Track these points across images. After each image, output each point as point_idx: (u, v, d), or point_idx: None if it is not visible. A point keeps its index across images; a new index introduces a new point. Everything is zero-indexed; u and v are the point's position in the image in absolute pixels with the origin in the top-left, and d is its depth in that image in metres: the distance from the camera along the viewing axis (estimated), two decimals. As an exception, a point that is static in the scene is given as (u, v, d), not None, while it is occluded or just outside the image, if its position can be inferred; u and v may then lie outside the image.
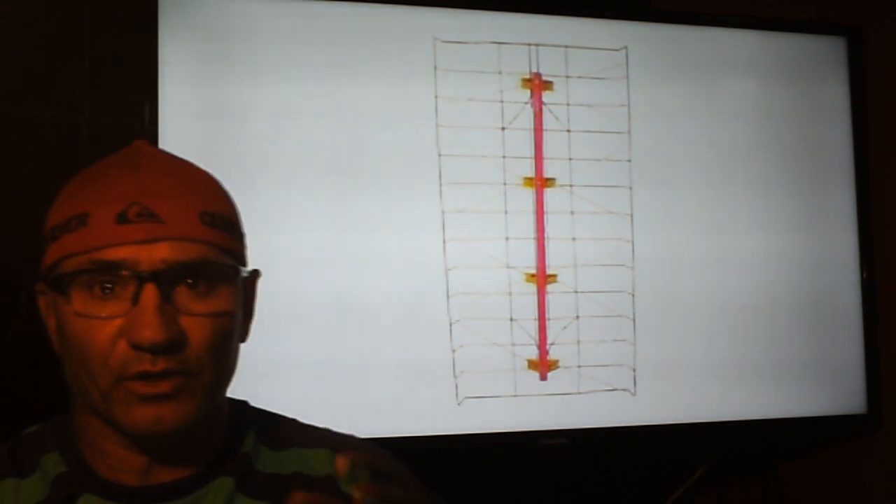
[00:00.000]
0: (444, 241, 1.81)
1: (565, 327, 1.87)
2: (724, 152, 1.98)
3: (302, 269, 1.71)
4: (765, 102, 2.02)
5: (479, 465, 1.95)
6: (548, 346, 1.86)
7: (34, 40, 1.76)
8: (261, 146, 1.73)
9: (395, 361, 1.76)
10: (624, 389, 1.89)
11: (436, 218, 1.81)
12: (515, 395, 1.83)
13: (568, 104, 1.90)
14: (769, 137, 2.01)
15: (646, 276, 1.92)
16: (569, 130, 1.90)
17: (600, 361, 1.88)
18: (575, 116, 1.91)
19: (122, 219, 0.81)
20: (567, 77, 1.91)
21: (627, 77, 1.94)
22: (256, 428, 0.94)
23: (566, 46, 1.91)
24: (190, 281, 0.82)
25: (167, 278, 0.81)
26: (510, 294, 1.84)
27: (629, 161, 1.93)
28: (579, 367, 1.87)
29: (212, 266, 0.83)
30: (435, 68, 1.83)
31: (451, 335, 1.80)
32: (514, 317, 1.84)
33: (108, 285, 0.81)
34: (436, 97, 1.83)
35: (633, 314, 1.91)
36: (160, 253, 0.80)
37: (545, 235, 1.87)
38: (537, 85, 1.89)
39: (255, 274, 0.92)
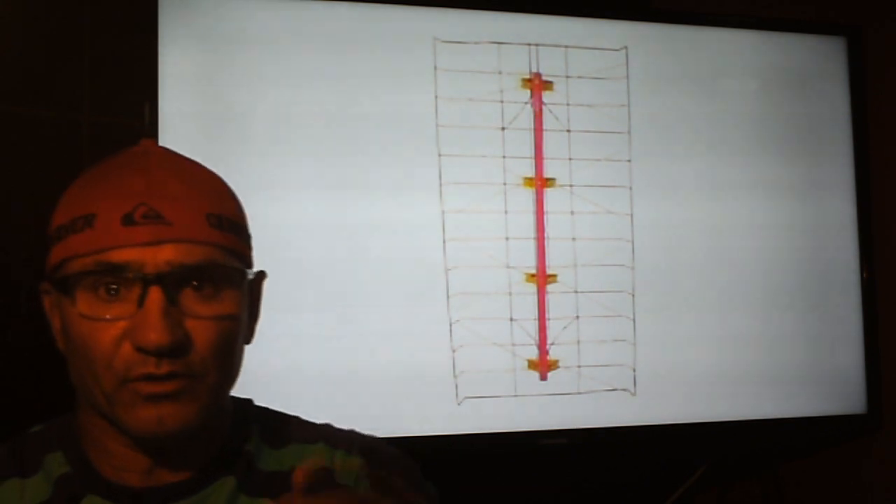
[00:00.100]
0: (444, 241, 1.81)
1: (565, 327, 1.87)
2: (724, 152, 1.98)
3: (302, 269, 1.71)
4: (765, 102, 2.02)
5: (479, 465, 1.95)
6: (548, 346, 1.86)
7: (34, 40, 1.76)
8: (260, 146, 1.73)
9: (395, 361, 1.76)
10: (624, 389, 1.89)
11: (436, 218, 1.81)
12: (515, 395, 1.83)
13: (568, 104, 1.90)
14: (769, 138, 2.01)
15: (646, 276, 1.92)
16: (569, 130, 1.90)
17: (600, 361, 1.88)
18: (575, 116, 1.91)
19: (127, 220, 0.80)
20: (567, 77, 1.91)
21: (627, 77, 1.94)
22: (259, 426, 0.94)
23: (566, 46, 1.91)
24: (195, 283, 0.82)
25: (172, 281, 0.80)
26: (510, 294, 1.84)
27: (629, 161, 1.93)
28: (579, 367, 1.87)
29: (218, 269, 0.83)
30: (435, 68, 1.83)
31: (451, 335, 1.80)
32: (514, 317, 1.84)
33: (114, 287, 0.80)
34: (436, 97, 1.83)
35: (633, 314, 1.91)
36: (166, 255, 0.80)
37: (545, 235, 1.87)
38: (537, 85, 1.89)
39: (261, 275, 0.91)
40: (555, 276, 1.87)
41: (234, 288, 0.85)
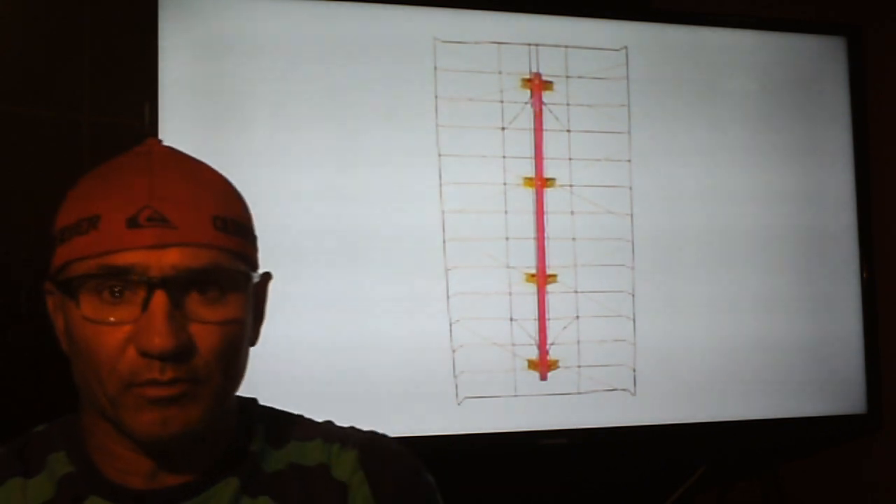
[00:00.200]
0: (444, 241, 1.81)
1: (565, 327, 1.87)
2: (724, 153, 1.98)
3: (301, 269, 1.71)
4: (765, 102, 2.02)
5: (479, 465, 1.95)
6: (548, 346, 1.86)
7: (34, 40, 1.76)
8: (260, 146, 1.73)
9: (395, 361, 1.76)
10: (624, 389, 1.89)
11: (436, 218, 1.81)
12: (515, 395, 1.83)
13: (568, 104, 1.90)
14: (769, 138, 2.01)
15: (646, 276, 1.92)
16: (569, 130, 1.90)
17: (600, 361, 1.88)
18: (575, 116, 1.91)
19: (132, 223, 0.79)
20: (567, 77, 1.91)
21: (627, 77, 1.94)
22: (264, 427, 0.93)
23: (566, 46, 1.91)
24: (200, 287, 0.81)
25: (177, 285, 0.79)
26: (510, 294, 1.84)
27: (629, 161, 1.93)
28: (579, 367, 1.87)
29: (223, 272, 0.82)
30: (435, 68, 1.83)
31: (451, 335, 1.80)
32: (514, 317, 1.84)
33: (118, 290, 0.79)
34: (436, 97, 1.83)
35: (633, 314, 1.91)
36: (171, 259, 0.79)
37: (545, 235, 1.87)
38: (537, 85, 1.89)
39: (267, 277, 0.91)
40: (555, 276, 1.87)
41: (240, 292, 0.84)
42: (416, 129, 1.81)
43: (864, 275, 2.03)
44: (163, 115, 1.67)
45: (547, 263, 1.87)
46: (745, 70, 2.02)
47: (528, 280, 1.86)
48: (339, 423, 0.99)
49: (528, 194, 1.87)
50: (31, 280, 1.68)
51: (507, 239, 1.85)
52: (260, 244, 0.90)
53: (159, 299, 0.78)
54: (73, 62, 1.80)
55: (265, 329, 0.92)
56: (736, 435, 2.00)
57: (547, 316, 1.86)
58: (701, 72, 1.99)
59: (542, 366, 1.85)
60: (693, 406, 1.92)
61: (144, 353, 0.78)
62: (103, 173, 0.85)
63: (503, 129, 1.86)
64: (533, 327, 1.85)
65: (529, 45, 1.89)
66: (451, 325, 1.80)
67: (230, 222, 0.84)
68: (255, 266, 0.88)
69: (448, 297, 1.80)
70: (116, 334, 0.79)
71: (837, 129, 2.05)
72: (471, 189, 1.83)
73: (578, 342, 1.88)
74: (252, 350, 0.90)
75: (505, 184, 1.85)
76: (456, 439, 1.79)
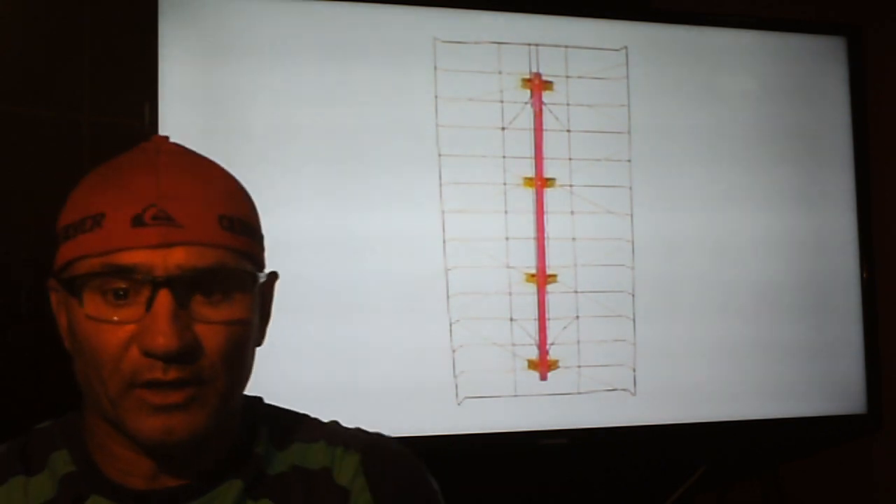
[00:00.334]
0: (444, 241, 1.81)
1: (565, 327, 1.87)
2: (724, 153, 1.98)
3: (301, 269, 1.71)
4: (765, 103, 2.02)
5: (479, 465, 1.95)
6: (548, 346, 1.86)
7: (34, 40, 1.76)
8: (261, 147, 1.73)
9: (395, 361, 1.76)
10: (624, 389, 1.89)
11: (436, 218, 1.81)
12: (515, 395, 1.83)
13: (568, 104, 1.90)
14: (769, 138, 2.01)
15: (646, 276, 1.92)
16: (569, 130, 1.90)
17: (600, 361, 1.88)
18: (575, 116, 1.91)
19: (137, 221, 0.78)
20: (567, 77, 1.91)
21: (627, 77, 1.94)
22: (268, 427, 0.92)
23: (566, 46, 1.91)
24: (206, 287, 0.80)
25: (182, 284, 0.78)
26: (510, 294, 1.84)
27: (629, 161, 1.93)
28: (579, 367, 1.87)
29: (229, 272, 0.81)
30: (435, 68, 1.83)
31: (451, 335, 1.80)
32: (514, 317, 1.84)
33: (122, 289, 0.78)
34: (436, 97, 1.83)
35: (633, 314, 1.91)
36: (176, 258, 0.78)
37: (545, 235, 1.87)
38: (537, 85, 1.89)
39: (273, 276, 0.90)
40: (555, 276, 1.87)
41: (246, 292, 0.83)
42: (416, 129, 1.81)
43: (864, 275, 2.03)
44: (163, 115, 1.67)
45: (547, 263, 1.87)
46: (745, 70, 2.02)
47: (528, 280, 1.86)
48: (336, 421, 0.98)
49: (528, 194, 1.87)
50: (31, 280, 1.68)
51: (507, 239, 1.85)
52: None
53: (164, 299, 0.77)
54: (73, 62, 1.80)
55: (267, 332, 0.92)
56: (736, 435, 2.00)
57: (547, 316, 1.86)
58: (701, 72, 1.99)
59: (542, 366, 1.85)
60: (693, 406, 1.92)
61: (148, 354, 0.77)
62: (108, 170, 0.84)
63: (503, 129, 1.86)
64: (533, 327, 1.85)
65: (529, 45, 1.89)
66: (451, 325, 1.80)
67: (237, 221, 0.83)
68: (261, 266, 0.87)
69: (448, 297, 1.80)
70: (119, 334, 0.78)
71: (837, 128, 2.05)
72: (471, 189, 1.83)
73: (578, 342, 1.87)
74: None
75: (505, 184, 1.85)
76: (456, 439, 1.79)
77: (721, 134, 1.99)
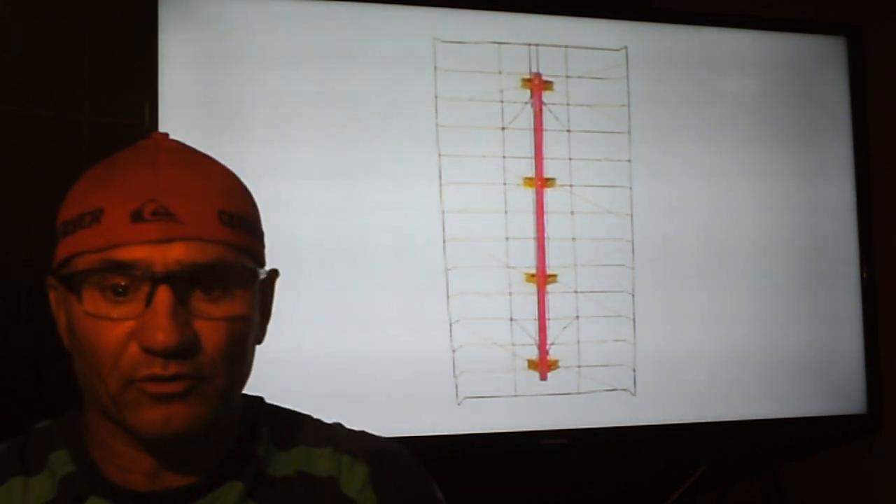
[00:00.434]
0: (444, 241, 1.81)
1: (565, 327, 1.87)
2: (724, 152, 1.98)
3: (301, 268, 1.71)
4: (765, 102, 2.02)
5: (479, 465, 1.95)
6: (548, 346, 1.86)
7: (34, 40, 1.76)
8: (261, 147, 1.73)
9: (395, 361, 1.76)
10: (624, 389, 1.89)
11: (436, 218, 1.81)
12: (515, 395, 1.83)
13: (568, 104, 1.90)
14: (769, 138, 2.01)
15: (646, 276, 1.92)
16: (569, 130, 1.90)
17: (600, 361, 1.88)
18: (575, 116, 1.91)
19: (137, 217, 0.78)
20: (567, 77, 1.91)
21: (627, 77, 1.94)
22: (269, 428, 0.91)
23: (566, 46, 1.91)
24: (206, 283, 0.79)
25: (182, 280, 0.78)
26: (510, 294, 1.84)
27: (629, 161, 1.93)
28: (579, 367, 1.87)
29: (229, 268, 0.80)
30: (435, 68, 1.83)
31: (451, 335, 1.80)
32: (514, 317, 1.84)
33: (121, 286, 0.78)
34: (436, 97, 1.83)
35: (633, 314, 1.91)
36: (175, 254, 0.78)
37: (545, 235, 1.87)
38: (537, 85, 1.89)
39: (274, 273, 0.89)
40: (555, 276, 1.87)
41: (246, 288, 0.82)
42: (416, 128, 1.81)
43: (864, 275, 2.03)
44: (163, 115, 1.67)
45: (547, 263, 1.87)
46: (745, 70, 2.02)
47: (528, 280, 1.86)
48: (340, 423, 0.98)
49: (528, 194, 1.87)
50: (31, 280, 1.68)
51: (507, 239, 1.85)
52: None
53: (163, 295, 0.76)
54: (73, 62, 1.80)
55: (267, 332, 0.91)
56: (736, 435, 2.00)
57: (547, 316, 1.86)
58: (701, 72, 1.99)
59: (542, 366, 1.85)
60: (693, 406, 1.92)
61: (147, 350, 0.76)
62: (108, 166, 0.84)
63: (503, 129, 1.86)
64: (533, 327, 1.85)
65: (529, 45, 1.89)
66: (451, 325, 1.80)
67: (237, 217, 0.82)
68: (261, 262, 0.86)
69: (448, 297, 1.80)
70: (119, 330, 0.77)
71: (837, 129, 2.05)
72: (471, 189, 1.83)
73: (578, 342, 1.88)
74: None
75: (505, 184, 1.85)
76: (456, 439, 1.79)
77: (721, 134, 1.99)
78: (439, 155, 1.82)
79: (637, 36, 1.96)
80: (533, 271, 1.86)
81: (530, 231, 1.86)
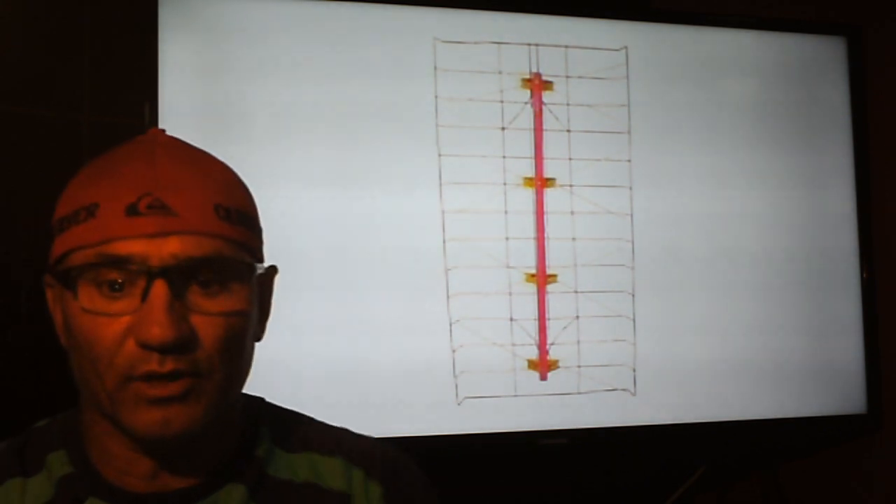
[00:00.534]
0: (444, 241, 1.81)
1: (565, 327, 1.87)
2: (724, 152, 1.98)
3: (302, 268, 1.71)
4: (765, 102, 2.02)
5: (479, 465, 1.95)
6: (548, 346, 1.86)
7: (34, 40, 1.76)
8: (261, 147, 1.73)
9: (395, 361, 1.76)
10: (624, 389, 1.89)
11: (436, 218, 1.81)
12: (515, 395, 1.83)
13: (568, 104, 1.90)
14: (769, 138, 2.01)
15: (646, 276, 1.92)
16: (569, 130, 1.90)
17: (600, 361, 1.88)
18: (575, 116, 1.91)
19: (132, 211, 0.77)
20: (567, 77, 1.91)
21: (627, 77, 1.94)
22: (271, 428, 0.91)
23: (566, 46, 1.91)
24: (202, 278, 0.78)
25: (178, 274, 0.77)
26: (510, 294, 1.84)
27: (629, 161, 1.93)
28: (579, 367, 1.87)
29: (226, 262, 0.79)
30: (435, 68, 1.83)
31: (451, 335, 1.80)
32: (514, 317, 1.84)
33: (117, 281, 0.77)
34: (436, 97, 1.83)
35: (633, 314, 1.91)
36: (171, 247, 0.77)
37: (545, 235, 1.87)
38: (537, 85, 1.89)
39: (272, 270, 0.89)
40: (555, 276, 1.87)
41: (243, 283, 0.81)
42: (416, 129, 1.81)
43: (864, 276, 2.03)
44: (163, 115, 1.67)
45: (547, 263, 1.87)
46: (745, 70, 2.02)
47: (528, 280, 1.86)
48: (339, 423, 0.97)
49: (528, 194, 1.87)
50: (31, 280, 1.68)
51: (507, 239, 1.85)
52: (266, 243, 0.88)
53: (159, 289, 0.75)
54: (73, 62, 1.80)
55: (267, 332, 0.91)
56: (736, 435, 2.00)
57: (547, 316, 1.86)
58: (701, 72, 1.99)
59: (542, 366, 1.85)
60: (693, 406, 1.92)
61: (144, 345, 0.75)
62: (103, 162, 0.83)
63: (503, 129, 1.86)
64: (533, 327, 1.85)
65: (529, 45, 1.89)
66: (451, 325, 1.80)
67: (233, 211, 0.81)
68: (259, 257, 0.85)
69: (448, 297, 1.80)
70: (115, 326, 0.76)
71: (837, 129, 2.05)
72: (471, 189, 1.83)
73: (578, 342, 1.87)
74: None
75: (505, 184, 1.85)
76: (456, 439, 1.79)
77: (721, 134, 1.98)
78: (439, 155, 1.82)
79: (637, 36, 1.96)
80: (533, 271, 1.86)
81: (530, 231, 1.86)
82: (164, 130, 0.87)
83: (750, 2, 2.14)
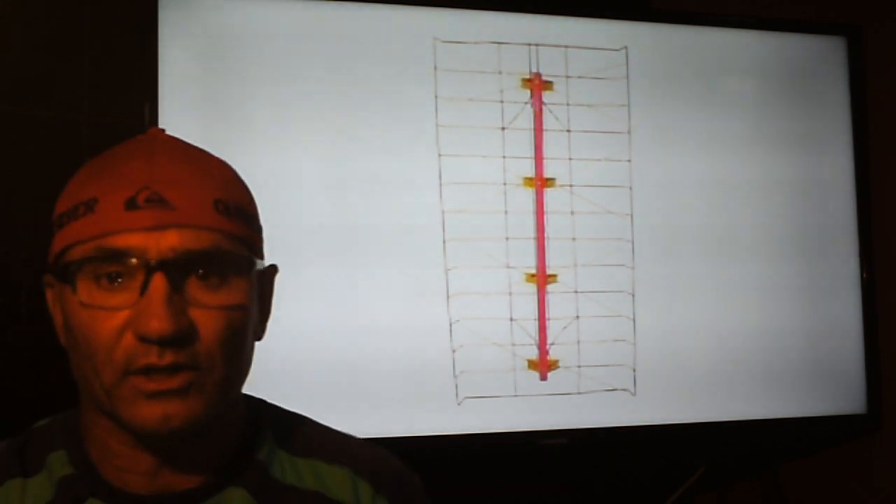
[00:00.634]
0: (444, 241, 1.81)
1: (565, 327, 1.87)
2: (724, 152, 1.98)
3: (302, 268, 1.71)
4: (765, 102, 2.02)
5: (479, 465, 1.95)
6: (548, 346, 1.86)
7: (34, 40, 1.76)
8: (261, 147, 1.73)
9: (395, 361, 1.76)
10: (624, 389, 1.89)
11: (436, 218, 1.81)
12: (515, 395, 1.83)
13: (568, 104, 1.90)
14: (769, 138, 2.01)
15: (646, 276, 1.92)
16: (569, 130, 1.90)
17: (600, 361, 1.88)
18: (575, 116, 1.91)
19: (130, 204, 0.77)
20: (567, 77, 1.91)
21: (627, 77, 1.94)
22: (274, 430, 0.90)
23: (566, 46, 1.91)
24: (201, 271, 0.78)
25: (177, 267, 0.76)
26: (510, 294, 1.84)
27: (629, 161, 1.93)
28: (579, 367, 1.87)
29: (225, 256, 0.79)
30: (435, 68, 1.83)
31: (451, 335, 1.80)
32: (514, 317, 1.84)
33: (116, 275, 0.77)
34: (436, 97, 1.83)
35: (633, 314, 1.91)
36: (169, 241, 0.77)
37: (545, 235, 1.87)
38: (537, 85, 1.89)
39: (273, 269, 0.88)
40: (555, 276, 1.87)
41: (243, 277, 0.81)
42: (416, 129, 1.81)
43: (864, 275, 2.03)
44: (163, 115, 1.67)
45: (547, 263, 1.87)
46: (745, 70, 2.02)
47: (528, 280, 1.86)
48: (339, 424, 0.97)
49: (528, 194, 1.87)
50: (31, 280, 1.68)
51: (507, 239, 1.85)
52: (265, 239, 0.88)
53: (158, 282, 0.75)
54: (73, 62, 1.80)
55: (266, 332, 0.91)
56: (736, 435, 2.00)
57: (547, 316, 1.86)
58: (701, 72, 1.99)
59: (542, 366, 1.85)
60: (693, 406, 1.92)
61: (143, 338, 0.75)
62: (102, 159, 0.83)
63: (503, 129, 1.86)
64: (533, 327, 1.85)
65: (529, 45, 1.89)
66: (451, 325, 1.80)
67: (233, 207, 0.81)
68: (259, 254, 0.85)
69: (448, 297, 1.80)
70: (113, 320, 0.76)
71: (837, 129, 2.05)
72: (471, 189, 1.83)
73: (578, 342, 1.87)
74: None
75: (505, 184, 1.85)
76: (456, 439, 1.79)
77: (721, 134, 1.98)
78: (439, 155, 1.82)
79: (637, 36, 1.96)
80: (533, 271, 1.86)
81: (530, 231, 1.86)
82: (163, 130, 0.87)
83: (750, 2, 2.14)
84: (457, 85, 1.84)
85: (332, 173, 1.76)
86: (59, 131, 1.77)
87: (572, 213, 1.89)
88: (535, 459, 2.00)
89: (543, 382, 1.85)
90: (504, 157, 1.86)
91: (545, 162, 1.88)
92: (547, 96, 1.89)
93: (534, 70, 1.89)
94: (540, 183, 1.88)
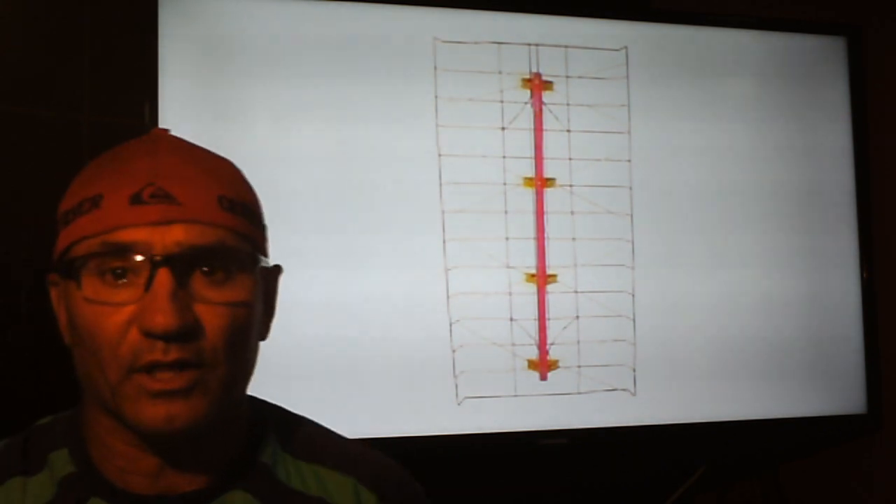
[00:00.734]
0: (444, 241, 1.81)
1: (565, 327, 1.87)
2: (724, 152, 1.98)
3: (302, 268, 1.71)
4: (765, 102, 2.02)
5: (479, 465, 1.95)
6: (548, 346, 1.86)
7: (34, 40, 1.76)
8: (261, 148, 1.73)
9: (395, 361, 1.76)
10: (624, 389, 1.89)
11: (436, 218, 1.81)
12: (515, 395, 1.83)
13: (568, 104, 1.90)
14: (769, 137, 2.01)
15: (646, 276, 1.92)
16: (569, 130, 1.90)
17: (600, 361, 1.88)
18: (575, 116, 1.91)
19: (136, 200, 0.77)
20: (567, 77, 1.91)
21: (627, 77, 1.94)
22: (278, 432, 0.90)
23: (566, 46, 1.91)
24: (206, 267, 0.78)
25: (182, 263, 0.76)
26: (510, 294, 1.84)
27: (629, 161, 1.93)
28: (579, 367, 1.87)
29: (229, 252, 0.79)
30: (435, 68, 1.83)
31: (451, 335, 1.80)
32: (514, 317, 1.84)
33: (120, 271, 0.77)
34: (436, 97, 1.83)
35: (633, 314, 1.91)
36: (174, 236, 0.77)
37: (545, 235, 1.87)
38: (537, 85, 1.89)
39: (277, 269, 0.89)
40: (555, 276, 1.87)
41: (247, 274, 0.81)
42: (416, 129, 1.81)
43: (864, 275, 2.03)
44: (163, 115, 1.67)
45: (547, 263, 1.87)
46: (745, 70, 2.02)
47: (528, 280, 1.86)
48: (339, 424, 0.96)
49: (528, 194, 1.87)
50: (31, 280, 1.68)
51: (507, 239, 1.85)
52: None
53: (163, 277, 0.75)
54: (73, 62, 1.80)
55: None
56: (736, 435, 2.00)
57: (547, 316, 1.86)
58: (701, 72, 1.99)
59: (542, 366, 1.85)
60: (693, 406, 1.92)
61: (148, 333, 0.75)
62: (107, 158, 0.84)
63: (503, 129, 1.86)
64: (533, 327, 1.85)
65: (529, 45, 1.89)
66: (451, 325, 1.80)
67: (237, 203, 0.82)
68: (264, 252, 0.86)
69: (448, 297, 1.80)
70: (118, 317, 0.76)
71: (837, 129, 2.05)
72: (471, 189, 1.83)
73: (578, 342, 1.87)
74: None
75: (505, 184, 1.85)
76: (456, 439, 1.79)
77: (721, 133, 1.98)
78: (439, 155, 1.82)
79: (637, 36, 1.96)
80: (533, 271, 1.86)
81: (530, 231, 1.86)
82: (168, 130, 0.87)
83: (750, 2, 2.14)
84: (457, 85, 1.84)
85: (331, 174, 1.76)
86: (59, 131, 1.77)
87: (572, 213, 1.89)
88: (535, 459, 2.00)
89: (543, 382, 1.85)
90: (504, 157, 1.86)
91: (545, 162, 1.88)
92: (547, 96, 1.89)
93: (534, 70, 1.89)
94: (540, 183, 1.88)
